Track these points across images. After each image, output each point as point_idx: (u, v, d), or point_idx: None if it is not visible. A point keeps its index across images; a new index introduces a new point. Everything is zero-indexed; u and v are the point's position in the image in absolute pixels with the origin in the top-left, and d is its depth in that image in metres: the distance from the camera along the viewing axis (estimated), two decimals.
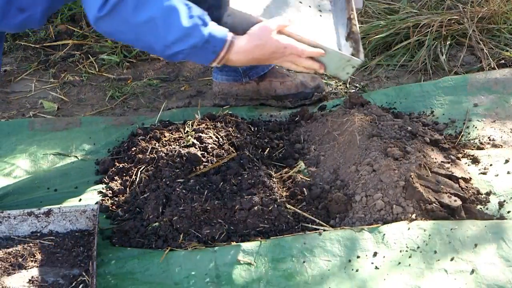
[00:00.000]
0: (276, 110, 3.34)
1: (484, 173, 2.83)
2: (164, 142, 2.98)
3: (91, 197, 2.82)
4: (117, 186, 2.85)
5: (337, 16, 2.81)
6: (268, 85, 3.37)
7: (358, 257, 2.44)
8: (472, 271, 2.39)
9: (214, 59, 2.47)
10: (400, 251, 2.45)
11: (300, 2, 2.80)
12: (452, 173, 2.75)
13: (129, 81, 3.70)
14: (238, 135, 3.01)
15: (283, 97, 3.37)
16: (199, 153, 2.88)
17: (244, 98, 3.38)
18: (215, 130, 3.02)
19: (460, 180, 2.75)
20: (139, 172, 2.85)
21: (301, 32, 2.56)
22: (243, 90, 3.37)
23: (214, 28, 2.44)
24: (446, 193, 2.64)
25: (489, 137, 3.05)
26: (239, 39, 2.47)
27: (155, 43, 2.40)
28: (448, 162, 2.82)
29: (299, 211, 2.64)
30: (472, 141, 3.04)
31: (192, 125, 3.03)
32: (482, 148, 2.99)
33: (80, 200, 2.82)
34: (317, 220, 2.60)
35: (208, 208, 2.58)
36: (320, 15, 2.79)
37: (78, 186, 2.90)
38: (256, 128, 3.13)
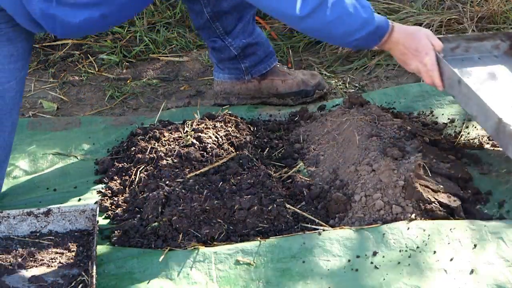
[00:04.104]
0: (275, 110, 3.34)
1: (484, 173, 2.84)
2: (163, 142, 2.98)
3: (90, 197, 2.82)
4: (116, 186, 2.84)
5: None
6: (270, 83, 3.38)
7: (357, 257, 2.44)
8: (472, 271, 2.39)
9: (378, 42, 2.72)
10: (400, 251, 2.45)
11: None
12: (452, 173, 2.75)
13: (128, 81, 3.70)
14: (238, 135, 3.01)
15: (284, 95, 3.38)
16: (198, 153, 2.89)
17: (246, 96, 3.39)
18: (215, 130, 3.02)
19: (459, 180, 2.75)
20: (138, 172, 2.85)
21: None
22: (245, 89, 3.38)
23: (377, 16, 2.72)
24: (446, 193, 2.64)
25: (488, 137, 3.04)
26: (396, 25, 2.75)
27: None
28: (448, 162, 2.82)
29: (298, 211, 2.64)
30: (471, 141, 3.04)
31: (191, 125, 3.03)
32: (482, 148, 2.99)
33: (80, 200, 2.82)
34: (317, 220, 2.60)
35: (208, 208, 2.58)
36: None
37: (77, 186, 2.90)
38: (255, 128, 3.14)
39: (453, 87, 2.74)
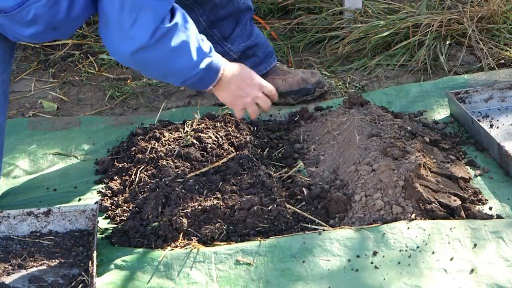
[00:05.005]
0: (275, 110, 3.34)
1: (484, 173, 2.83)
2: (163, 142, 2.98)
3: (90, 197, 2.82)
4: (116, 186, 2.84)
5: None
6: (271, 82, 3.36)
7: (357, 256, 2.44)
8: (472, 271, 2.39)
9: (215, 78, 2.60)
10: (400, 251, 2.45)
11: None
12: (452, 173, 2.75)
13: (128, 81, 3.70)
14: (238, 135, 3.01)
15: (285, 94, 3.38)
16: (198, 153, 2.88)
17: None
18: (215, 130, 3.02)
19: (459, 180, 2.75)
20: (138, 172, 2.85)
21: None
22: None
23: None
24: (446, 193, 2.64)
25: None
26: (229, 63, 2.67)
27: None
28: (448, 162, 2.82)
29: (298, 211, 2.64)
30: (471, 141, 3.03)
31: (191, 125, 3.03)
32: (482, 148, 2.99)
33: (80, 200, 2.82)
34: (317, 220, 2.60)
35: (208, 208, 2.58)
36: None
37: (77, 186, 2.90)
38: (255, 128, 3.14)
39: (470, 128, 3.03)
